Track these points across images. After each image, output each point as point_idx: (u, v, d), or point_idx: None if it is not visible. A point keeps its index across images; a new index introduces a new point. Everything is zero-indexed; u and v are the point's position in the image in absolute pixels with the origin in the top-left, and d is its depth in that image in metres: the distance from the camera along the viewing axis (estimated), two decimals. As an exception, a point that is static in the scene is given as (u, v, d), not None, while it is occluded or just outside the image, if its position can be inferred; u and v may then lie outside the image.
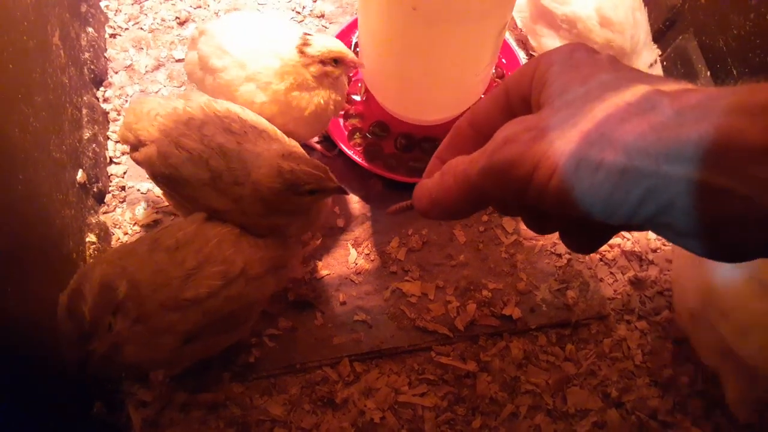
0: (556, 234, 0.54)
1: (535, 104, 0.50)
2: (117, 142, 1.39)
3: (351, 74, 1.47)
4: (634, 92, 0.42)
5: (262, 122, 1.07)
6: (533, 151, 0.44)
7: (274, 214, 1.02)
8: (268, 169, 0.96)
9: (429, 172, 0.59)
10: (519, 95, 0.53)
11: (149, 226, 1.31)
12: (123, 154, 1.38)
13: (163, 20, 1.55)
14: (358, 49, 1.47)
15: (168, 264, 0.94)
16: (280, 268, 1.08)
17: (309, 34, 1.13)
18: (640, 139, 0.40)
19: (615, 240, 1.37)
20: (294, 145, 1.08)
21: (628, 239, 1.37)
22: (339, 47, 1.12)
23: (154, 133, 1.03)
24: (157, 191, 1.34)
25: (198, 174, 0.99)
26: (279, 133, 1.08)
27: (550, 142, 0.43)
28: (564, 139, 0.43)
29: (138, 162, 1.08)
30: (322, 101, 1.15)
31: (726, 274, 0.96)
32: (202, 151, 0.99)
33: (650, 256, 1.36)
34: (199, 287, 0.94)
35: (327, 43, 1.12)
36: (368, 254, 1.31)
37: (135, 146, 1.07)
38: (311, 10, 1.59)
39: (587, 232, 0.51)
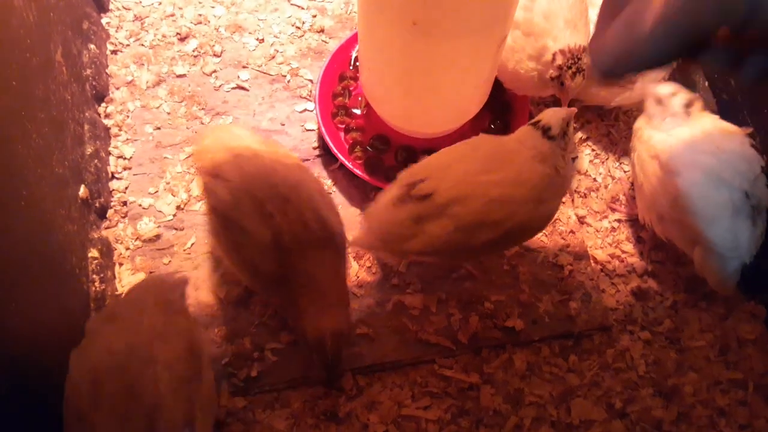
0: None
1: None
2: (119, 157, 1.39)
3: (352, 88, 1.48)
4: None
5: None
6: None
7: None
8: (317, 333, 1.04)
9: (597, 35, 0.53)
10: None
11: (151, 240, 1.31)
12: (125, 169, 1.38)
13: (164, 36, 1.56)
14: (357, 64, 1.49)
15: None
16: None
17: None
18: None
19: (616, 251, 1.37)
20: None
21: (629, 253, 1.38)
22: None
23: (234, 176, 1.06)
24: (159, 206, 1.34)
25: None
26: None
27: None
28: None
29: (206, 188, 1.11)
30: None
31: (683, 180, 1.19)
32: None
33: (651, 268, 1.36)
34: None
35: None
36: (370, 267, 1.31)
37: (210, 173, 1.10)
38: (311, 26, 1.60)
39: None
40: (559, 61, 1.24)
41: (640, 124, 1.32)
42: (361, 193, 1.38)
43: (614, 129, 1.54)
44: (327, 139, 1.38)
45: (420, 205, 1.07)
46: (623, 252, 1.38)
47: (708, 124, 1.26)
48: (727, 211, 1.17)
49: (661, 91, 1.28)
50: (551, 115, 1.11)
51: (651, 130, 1.28)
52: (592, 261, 1.35)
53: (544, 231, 1.34)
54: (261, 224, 1.03)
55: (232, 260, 1.11)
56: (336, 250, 1.08)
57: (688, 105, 1.26)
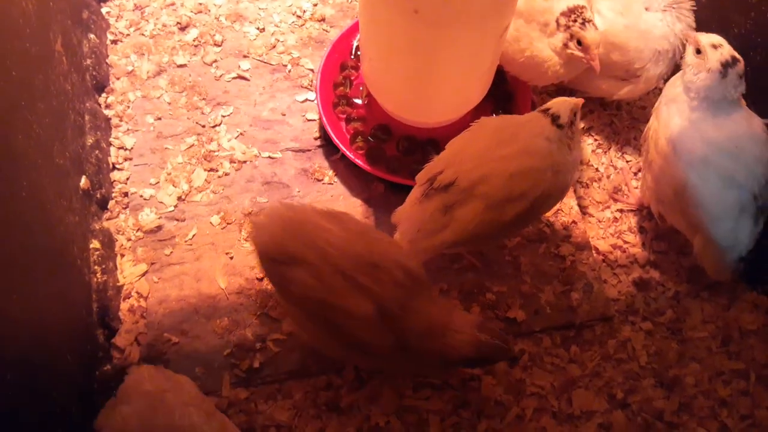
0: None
1: None
2: (120, 148, 1.39)
3: (353, 78, 1.47)
4: None
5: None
6: None
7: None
8: (467, 336, 1.01)
9: None
10: None
11: (152, 231, 1.31)
12: (125, 160, 1.38)
13: (164, 26, 1.55)
14: (359, 53, 1.48)
15: None
16: None
17: None
18: None
19: (618, 242, 1.37)
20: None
21: (631, 243, 1.37)
22: None
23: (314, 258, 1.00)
24: (160, 197, 1.34)
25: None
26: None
27: None
28: None
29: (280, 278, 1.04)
30: None
31: (695, 174, 1.18)
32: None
33: (653, 258, 1.36)
34: None
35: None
36: (372, 258, 1.30)
37: (280, 260, 1.03)
38: (312, 14, 1.59)
39: None
40: (564, 21, 1.24)
41: (674, 83, 1.25)
42: (362, 184, 1.38)
43: (617, 119, 1.53)
44: (328, 129, 1.37)
45: (445, 195, 1.08)
46: (625, 242, 1.38)
47: (736, 118, 1.19)
48: (734, 212, 1.17)
49: (703, 39, 1.20)
50: (560, 104, 1.13)
51: (672, 109, 1.22)
52: (593, 251, 1.35)
53: (545, 221, 1.34)
54: (360, 299, 0.98)
55: (334, 348, 1.07)
56: (424, 286, 1.05)
57: (727, 65, 1.17)
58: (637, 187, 1.42)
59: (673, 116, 1.22)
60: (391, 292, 0.99)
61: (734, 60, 1.17)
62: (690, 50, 1.23)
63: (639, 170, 1.44)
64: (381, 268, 0.99)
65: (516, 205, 1.08)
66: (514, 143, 1.10)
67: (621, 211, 1.42)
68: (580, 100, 1.14)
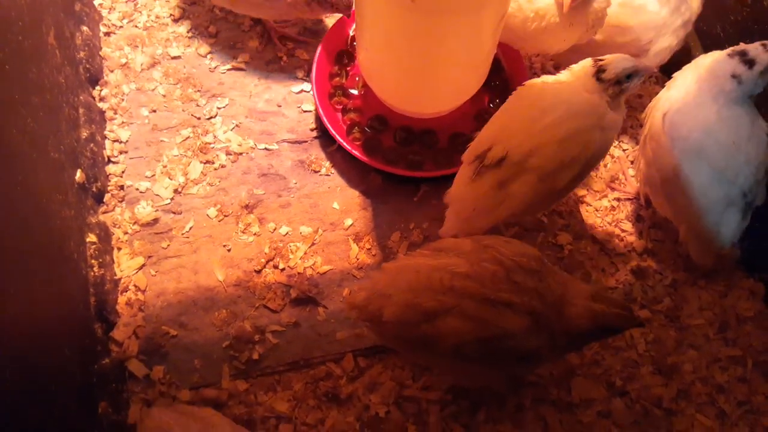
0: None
1: None
2: (115, 141, 1.38)
3: (349, 68, 1.47)
4: None
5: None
6: None
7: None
8: (580, 309, 0.97)
9: None
10: None
11: (149, 224, 1.30)
12: (121, 153, 1.37)
13: (157, 17, 1.54)
14: (354, 43, 1.47)
15: None
16: None
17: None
18: None
19: (615, 230, 1.37)
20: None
21: (629, 232, 1.37)
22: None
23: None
24: (156, 190, 1.33)
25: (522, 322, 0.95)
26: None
27: None
28: None
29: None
30: None
31: (687, 163, 1.18)
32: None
33: (650, 246, 1.36)
34: None
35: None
36: (369, 249, 1.30)
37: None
38: (307, 5, 1.58)
39: None
40: None
41: (712, 55, 1.22)
42: (359, 175, 1.38)
43: (614, 107, 1.52)
44: (324, 120, 1.37)
45: (498, 171, 1.08)
46: (623, 231, 1.38)
47: (742, 114, 1.18)
48: (720, 207, 1.18)
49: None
50: (617, 60, 1.09)
51: (687, 77, 1.20)
52: (591, 240, 1.35)
53: (543, 211, 1.34)
54: (514, 316, 0.94)
55: (495, 375, 1.08)
56: (543, 262, 1.02)
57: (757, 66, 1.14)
58: (633, 176, 1.42)
59: (683, 87, 1.20)
60: (534, 290, 0.96)
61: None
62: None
63: (635, 159, 1.45)
64: (515, 271, 0.96)
65: (569, 171, 1.09)
66: (558, 108, 1.09)
67: (618, 199, 1.42)
68: (650, 68, 1.12)
